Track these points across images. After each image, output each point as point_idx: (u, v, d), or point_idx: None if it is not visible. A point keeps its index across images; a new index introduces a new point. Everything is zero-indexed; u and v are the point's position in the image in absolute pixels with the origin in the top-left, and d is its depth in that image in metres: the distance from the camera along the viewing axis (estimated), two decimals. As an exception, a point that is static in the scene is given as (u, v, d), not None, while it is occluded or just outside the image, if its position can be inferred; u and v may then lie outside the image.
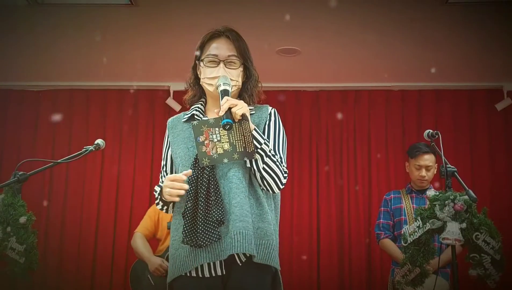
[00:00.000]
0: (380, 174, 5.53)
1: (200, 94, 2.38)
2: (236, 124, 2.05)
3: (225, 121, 2.00)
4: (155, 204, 4.34)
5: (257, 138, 2.11)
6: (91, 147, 3.13)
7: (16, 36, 4.64)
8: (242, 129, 2.06)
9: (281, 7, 4.17)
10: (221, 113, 2.03)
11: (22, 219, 2.95)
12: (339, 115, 5.73)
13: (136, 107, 5.79)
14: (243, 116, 2.03)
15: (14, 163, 3.19)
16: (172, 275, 2.18)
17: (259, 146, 2.11)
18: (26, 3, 4.06)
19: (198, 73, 2.34)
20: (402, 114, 5.70)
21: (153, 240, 4.31)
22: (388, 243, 4.09)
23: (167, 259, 4.05)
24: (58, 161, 3.17)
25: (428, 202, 3.98)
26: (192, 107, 2.35)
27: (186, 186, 2.08)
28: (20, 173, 2.92)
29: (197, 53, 2.34)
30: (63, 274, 5.39)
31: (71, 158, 3.11)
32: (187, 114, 2.34)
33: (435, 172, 4.12)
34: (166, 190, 2.10)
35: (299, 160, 5.63)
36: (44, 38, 4.70)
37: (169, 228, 4.11)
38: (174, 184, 2.08)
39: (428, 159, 4.06)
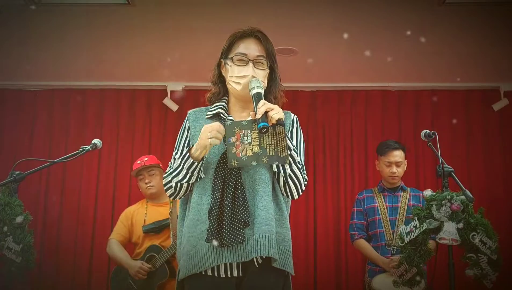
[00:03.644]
0: (377, 174, 5.51)
1: (223, 92, 2.36)
2: (270, 128, 2.06)
3: (262, 124, 2.02)
4: (127, 210, 4.33)
5: (287, 144, 2.12)
6: (88, 147, 3.13)
7: (13, 35, 4.62)
8: (276, 134, 2.08)
9: (277, 7, 4.18)
10: (258, 116, 2.04)
11: (19, 219, 2.95)
12: (336, 116, 5.74)
13: (133, 107, 5.78)
14: (279, 120, 2.04)
15: (10, 162, 3.19)
16: (187, 271, 2.14)
17: (289, 152, 2.12)
18: (23, 3, 4.05)
19: (223, 71, 2.33)
20: (399, 114, 5.71)
21: (128, 245, 4.28)
22: (363, 243, 4.06)
23: (146, 261, 4.04)
24: (55, 160, 3.17)
25: (401, 199, 4.05)
26: (215, 105, 2.33)
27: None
28: (16, 172, 2.92)
29: (224, 51, 2.32)
30: (60, 274, 5.38)
31: (68, 158, 3.11)
32: (211, 111, 2.31)
33: (405, 168, 4.12)
34: (208, 134, 2.06)
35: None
36: (41, 37, 4.69)
37: (145, 232, 4.10)
38: (220, 128, 2.08)
39: (397, 155, 4.05)
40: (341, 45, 4.82)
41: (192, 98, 5.52)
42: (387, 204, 4.07)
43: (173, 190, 2.22)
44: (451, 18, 4.30)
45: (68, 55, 5.04)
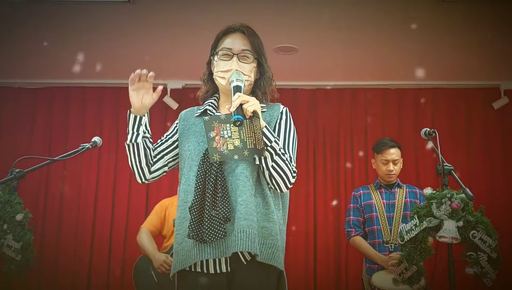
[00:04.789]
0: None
1: (213, 90, 2.36)
2: (247, 120, 2.04)
3: (236, 117, 1.99)
4: (162, 201, 4.34)
5: (267, 136, 2.10)
6: (88, 145, 3.13)
7: (12, 33, 4.62)
8: (253, 126, 2.06)
9: (278, 5, 4.17)
10: (233, 109, 2.02)
11: (19, 217, 2.96)
12: (336, 114, 5.74)
13: (133, 105, 5.77)
14: (254, 113, 2.02)
15: (10, 160, 3.19)
16: (174, 268, 2.17)
17: (269, 144, 2.09)
18: (23, 0, 4.05)
19: (212, 68, 2.33)
20: (399, 112, 5.71)
21: (157, 237, 4.29)
22: (359, 240, 4.04)
23: (172, 255, 4.05)
24: (55, 158, 3.17)
25: (398, 196, 4.05)
26: (205, 102, 2.34)
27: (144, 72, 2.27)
28: (16, 170, 2.92)
29: (212, 48, 2.32)
30: (59, 272, 5.38)
31: (68, 156, 3.11)
32: (200, 109, 2.33)
33: (401, 166, 4.13)
34: (130, 88, 2.29)
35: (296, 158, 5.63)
36: (41, 35, 4.69)
37: (174, 225, 4.11)
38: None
39: (394, 153, 4.05)
40: (341, 43, 4.82)
41: (192, 96, 5.45)
42: (384, 200, 4.06)
43: (132, 167, 2.29)
44: (451, 17, 4.29)
45: (68, 53, 5.03)
